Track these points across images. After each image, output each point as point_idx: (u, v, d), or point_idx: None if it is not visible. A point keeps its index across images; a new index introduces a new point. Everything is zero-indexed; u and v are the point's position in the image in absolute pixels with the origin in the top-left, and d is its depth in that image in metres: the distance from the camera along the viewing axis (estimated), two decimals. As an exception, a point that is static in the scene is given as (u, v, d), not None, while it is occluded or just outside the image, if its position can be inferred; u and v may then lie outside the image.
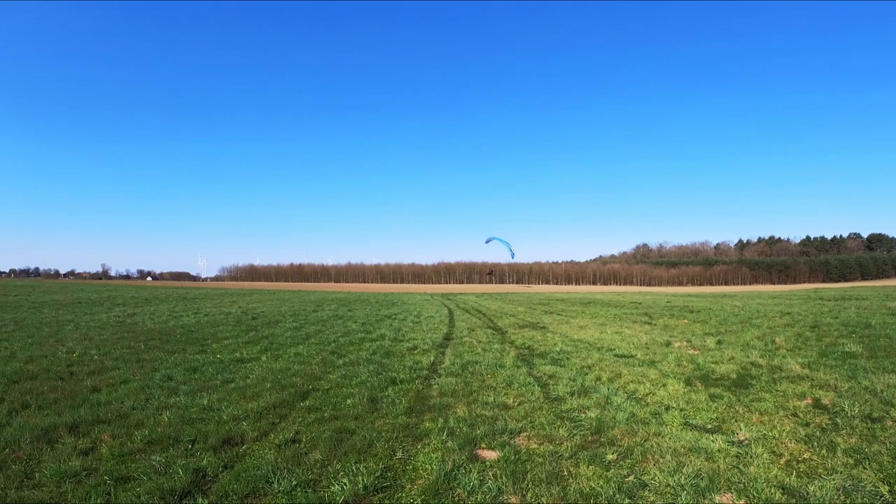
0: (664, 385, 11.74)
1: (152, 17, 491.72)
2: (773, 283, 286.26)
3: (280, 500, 6.11)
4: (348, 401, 10.45)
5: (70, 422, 8.97)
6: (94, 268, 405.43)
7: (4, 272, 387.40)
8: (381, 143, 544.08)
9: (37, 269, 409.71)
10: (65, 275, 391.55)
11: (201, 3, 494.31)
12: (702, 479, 6.47)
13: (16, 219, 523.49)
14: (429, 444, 7.96)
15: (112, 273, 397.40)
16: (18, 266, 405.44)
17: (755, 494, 6.11)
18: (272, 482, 6.55)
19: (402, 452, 7.66)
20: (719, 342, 18.67)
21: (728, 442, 7.84)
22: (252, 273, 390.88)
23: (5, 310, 34.64)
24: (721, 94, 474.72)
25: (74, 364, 14.38)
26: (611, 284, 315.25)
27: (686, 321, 27.89)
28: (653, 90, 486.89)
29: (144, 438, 8.19)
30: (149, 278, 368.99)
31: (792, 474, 6.62)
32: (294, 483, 6.51)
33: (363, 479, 6.54)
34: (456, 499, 6.20)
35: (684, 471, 6.69)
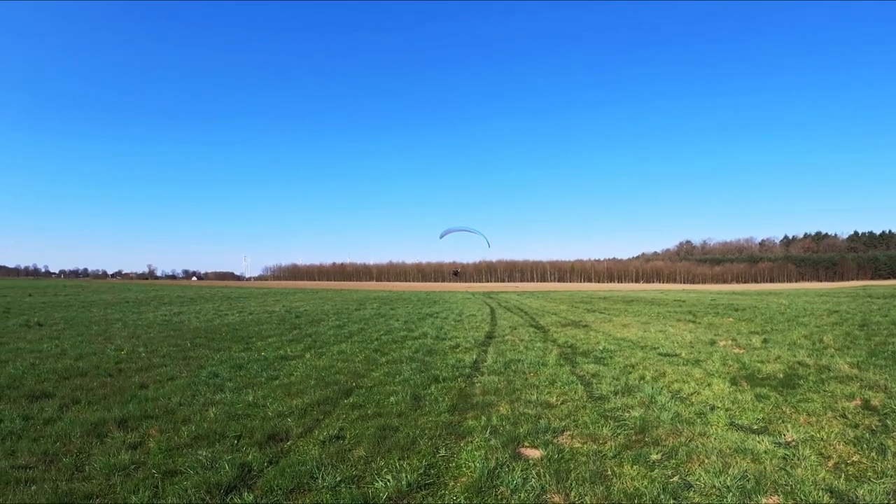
0: (709, 384, 11.62)
1: (179, 18, 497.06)
2: (819, 280, 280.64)
3: (324, 496, 6.14)
4: (391, 398, 10.50)
5: (119, 417, 9.15)
6: (141, 268, 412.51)
7: (54, 273, 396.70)
8: (420, 141, 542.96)
9: (85, 270, 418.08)
10: (112, 275, 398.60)
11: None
12: (748, 480, 6.38)
13: (65, 222, 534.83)
14: (472, 442, 7.96)
15: (158, 273, 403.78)
16: (68, 267, 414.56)
17: (802, 497, 6.01)
18: (316, 478, 6.60)
19: (446, 450, 7.66)
20: (765, 341, 18.42)
21: (775, 443, 7.72)
22: (295, 272, 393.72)
23: (56, 309, 35.41)
24: (764, 90, 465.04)
25: (123, 361, 14.66)
26: (653, 282, 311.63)
27: (731, 319, 27.57)
28: (692, 85, 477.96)
29: (191, 434, 8.32)
30: (194, 278, 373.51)
31: (840, 477, 6.50)
32: (338, 479, 6.55)
33: (406, 476, 6.56)
34: (499, 497, 6.18)
35: (730, 472, 6.59)
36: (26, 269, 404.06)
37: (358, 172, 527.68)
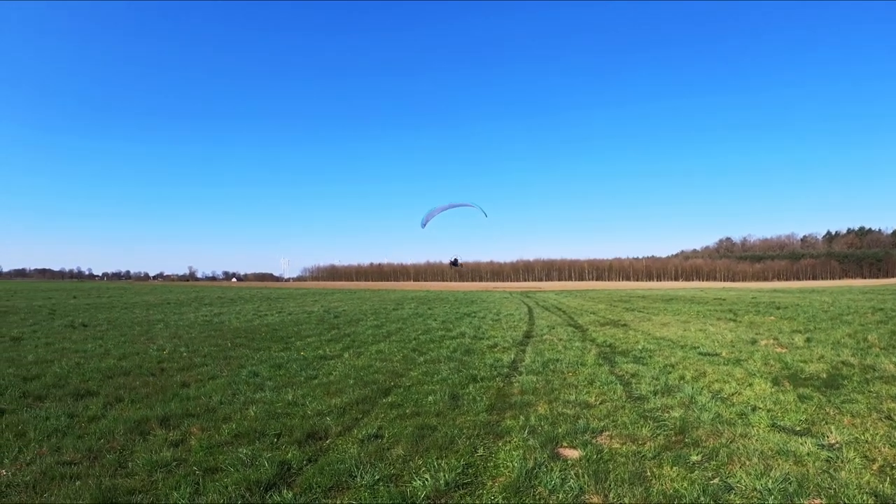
0: (750, 384, 11.47)
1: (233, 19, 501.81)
2: (863, 276, 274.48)
3: (362, 494, 6.18)
4: (430, 398, 10.54)
5: (161, 415, 9.32)
6: (182, 270, 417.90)
7: (98, 276, 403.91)
8: (454, 140, 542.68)
9: (128, 272, 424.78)
10: (154, 277, 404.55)
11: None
12: (790, 483, 6.29)
13: (108, 225, 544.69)
14: (510, 442, 7.96)
15: (199, 275, 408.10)
16: (110, 270, 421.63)
17: (846, 501, 5.91)
18: (355, 476, 6.66)
19: (484, 449, 7.68)
20: (808, 340, 18.14)
21: (818, 445, 7.60)
22: (333, 273, 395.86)
23: (99, 310, 36.08)
24: (806, 83, 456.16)
25: (165, 361, 14.91)
26: (693, 280, 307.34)
27: (773, 318, 27.18)
28: (729, 81, 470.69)
29: (232, 432, 8.43)
30: (234, 279, 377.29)
31: (886, 481, 6.37)
32: (377, 477, 6.60)
33: (444, 476, 6.58)
34: (537, 497, 6.17)
35: (772, 474, 6.51)
36: (70, 271, 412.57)
37: (396, 172, 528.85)
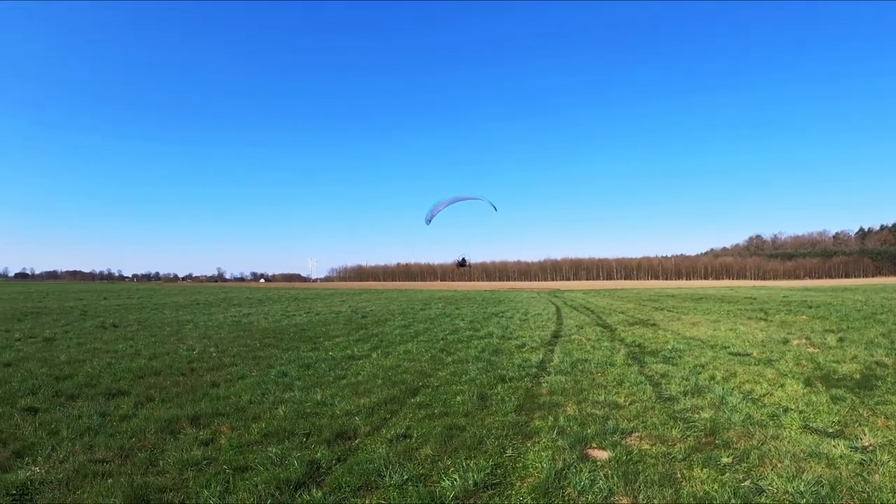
0: (782, 385, 11.35)
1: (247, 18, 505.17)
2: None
3: (391, 494, 6.19)
4: (458, 398, 10.54)
5: (191, 414, 9.42)
6: (210, 271, 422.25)
7: (127, 277, 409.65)
8: (485, 138, 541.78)
9: (157, 273, 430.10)
10: (183, 278, 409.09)
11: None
12: (822, 486, 6.20)
13: (138, 227, 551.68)
14: (539, 443, 7.93)
15: (227, 276, 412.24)
16: (140, 271, 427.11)
17: (880, 505, 5.85)
18: (384, 476, 6.67)
19: (512, 450, 7.66)
20: (841, 340, 17.94)
21: (851, 447, 7.49)
22: (360, 273, 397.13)
23: (130, 311, 36.50)
24: (835, 76, 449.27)
25: (194, 361, 15.07)
26: (723, 279, 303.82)
27: (804, 317, 26.92)
28: (758, 76, 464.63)
29: (261, 431, 8.50)
30: (262, 280, 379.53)
31: (921, 485, 6.28)
32: (405, 477, 6.61)
33: (473, 476, 6.57)
34: (566, 498, 6.14)
35: (804, 477, 6.43)
36: (101, 273, 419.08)
37: (422, 171, 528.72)
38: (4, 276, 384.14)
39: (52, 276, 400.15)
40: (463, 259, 29.70)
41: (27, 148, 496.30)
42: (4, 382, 12.23)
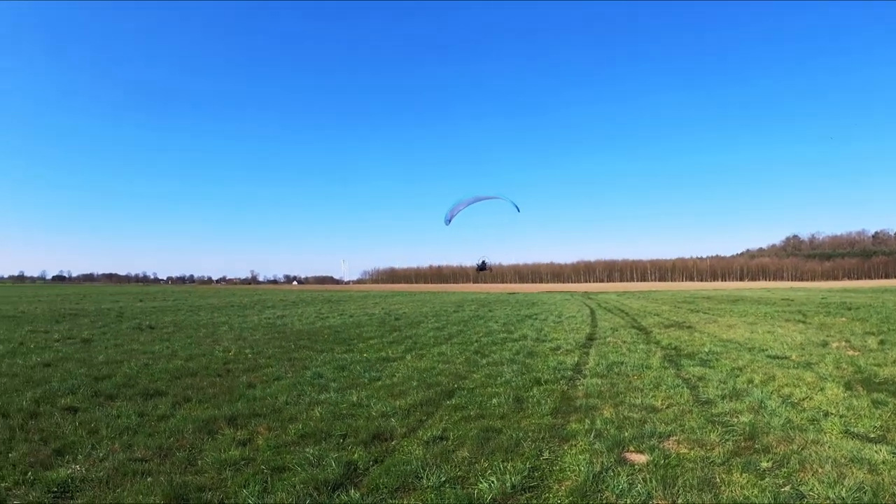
0: (822, 389, 11.20)
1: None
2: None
3: (429, 496, 6.20)
4: (493, 400, 10.52)
5: (228, 414, 9.52)
6: (244, 274, 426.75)
7: (162, 279, 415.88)
8: (519, 137, 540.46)
9: (191, 276, 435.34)
10: (217, 281, 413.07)
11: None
12: (864, 492, 6.09)
13: (173, 231, 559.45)
14: (575, 446, 7.90)
15: (260, 278, 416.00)
16: (174, 274, 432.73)
17: (924, 512, 5.75)
18: (421, 477, 6.68)
19: (549, 453, 7.63)
20: (882, 342, 17.68)
21: (893, 453, 7.34)
22: (392, 276, 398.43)
23: (165, 313, 36.94)
24: (875, 67, 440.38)
25: (230, 362, 15.23)
26: (759, 280, 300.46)
27: (844, 319, 26.55)
28: (797, 69, 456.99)
29: (298, 432, 8.56)
30: (294, 282, 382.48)
31: (967, 491, 6.15)
32: (442, 479, 6.61)
33: (510, 478, 6.55)
34: (604, 501, 6.10)
35: (845, 483, 6.31)
36: (136, 276, 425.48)
37: (451, 171, 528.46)
38: (42, 278, 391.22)
39: (89, 278, 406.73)
40: (483, 262, 29.29)
41: (63, 153, 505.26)
42: (45, 382, 12.43)
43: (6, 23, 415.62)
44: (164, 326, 26.74)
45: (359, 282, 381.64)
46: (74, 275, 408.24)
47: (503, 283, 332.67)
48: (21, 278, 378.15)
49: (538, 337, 21.16)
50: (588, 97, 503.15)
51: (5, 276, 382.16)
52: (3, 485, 6.56)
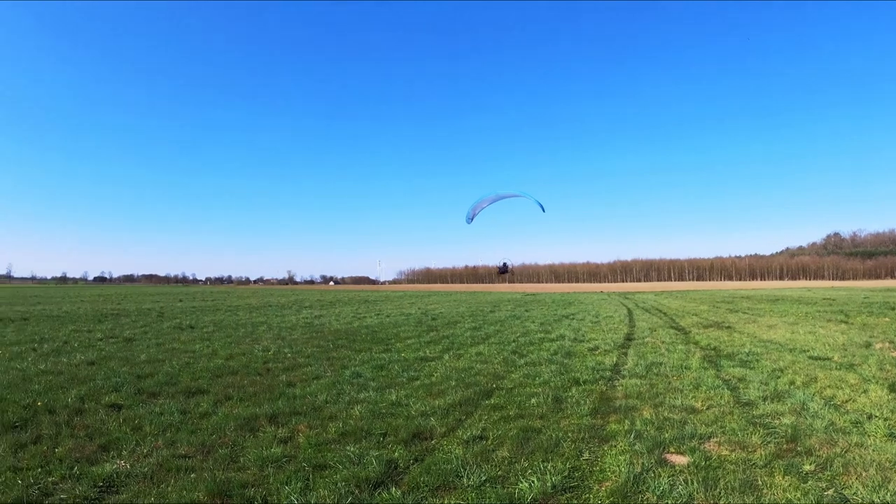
0: (865, 391, 11.03)
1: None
2: None
3: (469, 495, 6.22)
4: (532, 400, 10.52)
5: (269, 413, 9.65)
6: (281, 274, 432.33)
7: (201, 280, 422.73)
8: (553, 136, 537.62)
9: (229, 276, 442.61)
10: (255, 281, 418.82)
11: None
12: (909, 497, 6.02)
13: (211, 233, 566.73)
14: (615, 446, 7.87)
15: (297, 279, 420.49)
16: (213, 275, 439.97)
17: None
18: (461, 476, 6.70)
19: (589, 453, 7.61)
20: (927, 343, 17.32)
21: (939, 457, 7.25)
22: (428, 276, 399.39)
23: (205, 313, 37.47)
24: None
25: (270, 361, 15.39)
26: (799, 279, 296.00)
27: (887, 319, 26.11)
28: (834, 67, 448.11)
29: (338, 430, 8.64)
30: (331, 283, 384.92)
31: None
32: (483, 478, 6.63)
33: (551, 478, 6.55)
34: (645, 503, 6.08)
35: (890, 487, 6.23)
36: (175, 276, 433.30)
37: (482, 170, 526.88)
38: (84, 279, 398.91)
39: (129, 279, 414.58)
40: (504, 265, 28.87)
41: (105, 156, 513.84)
42: (89, 380, 12.69)
43: (52, 19, 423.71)
44: (204, 326, 27.11)
45: (395, 282, 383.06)
46: (115, 275, 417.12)
47: (539, 282, 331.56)
48: (64, 279, 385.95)
49: (576, 337, 21.07)
50: (626, 93, 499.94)
51: (49, 277, 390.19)
52: (50, 479, 6.71)
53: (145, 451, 7.76)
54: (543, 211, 21.94)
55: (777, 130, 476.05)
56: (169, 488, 6.44)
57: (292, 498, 6.14)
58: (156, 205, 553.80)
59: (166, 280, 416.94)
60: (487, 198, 21.97)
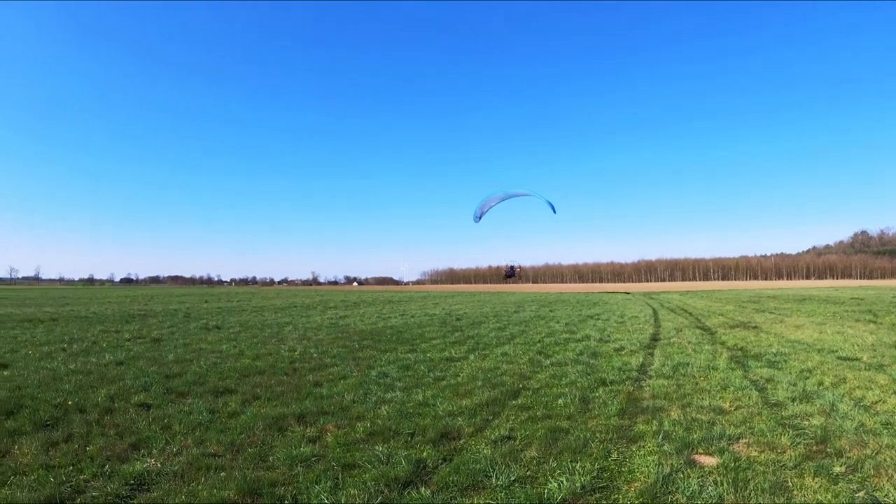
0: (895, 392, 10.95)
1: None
2: None
3: (499, 495, 6.23)
4: (559, 400, 10.51)
5: (297, 412, 9.73)
6: (305, 275, 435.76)
7: (226, 281, 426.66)
8: (575, 136, 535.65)
9: (254, 277, 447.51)
10: (279, 282, 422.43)
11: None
12: (943, 500, 5.96)
13: (236, 235, 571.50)
14: (644, 447, 7.85)
15: (321, 279, 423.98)
16: (238, 276, 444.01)
17: None
18: (490, 476, 6.73)
19: (617, 454, 7.61)
20: (959, 344, 17.11)
21: (972, 459, 7.17)
22: (452, 276, 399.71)
23: (230, 314, 37.74)
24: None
25: (296, 361, 15.50)
26: (826, 278, 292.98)
27: (918, 319, 25.73)
28: (861, 62, 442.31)
29: (366, 430, 8.69)
30: (355, 283, 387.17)
31: None
32: (512, 478, 6.64)
33: (580, 479, 6.56)
34: (674, 503, 6.14)
35: (922, 489, 6.19)
36: (201, 278, 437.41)
37: (513, 166, 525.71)
38: (111, 281, 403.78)
39: (155, 280, 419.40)
40: (511, 268, 28.38)
41: (130, 160, 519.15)
42: (118, 379, 12.84)
43: (76, 22, 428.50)
44: (231, 326, 27.34)
45: (418, 282, 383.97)
46: (141, 277, 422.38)
47: (563, 282, 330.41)
48: (91, 281, 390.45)
49: (601, 337, 21.01)
50: (651, 90, 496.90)
51: (76, 278, 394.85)
52: (82, 477, 6.82)
53: (175, 449, 7.87)
54: (554, 212, 21.72)
55: (803, 126, 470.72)
56: (199, 486, 6.51)
57: (322, 497, 6.19)
58: (181, 207, 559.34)
59: (192, 281, 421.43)
60: (496, 196, 21.80)
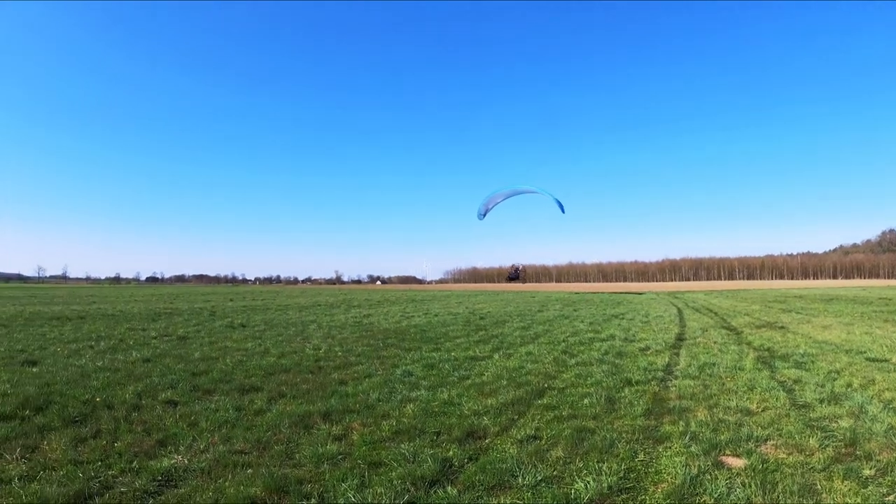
0: (926, 394, 10.81)
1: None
2: None
3: (525, 494, 6.23)
4: (585, 400, 10.48)
5: (322, 410, 9.77)
6: (329, 274, 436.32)
7: (250, 280, 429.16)
8: (599, 136, 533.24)
9: (278, 276, 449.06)
10: (303, 281, 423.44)
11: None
12: (975, 504, 5.88)
13: (260, 233, 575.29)
14: (670, 448, 7.81)
15: (344, 278, 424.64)
16: (262, 275, 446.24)
17: None
18: (516, 476, 6.72)
19: (644, 454, 7.58)
20: None
21: None
22: (475, 275, 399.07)
23: (255, 312, 37.88)
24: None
25: (321, 359, 15.58)
26: (853, 278, 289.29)
27: (947, 320, 25.39)
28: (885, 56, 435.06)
29: (392, 428, 8.73)
30: (378, 282, 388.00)
31: None
32: (538, 478, 6.64)
33: (606, 479, 6.54)
34: (702, 504, 6.08)
35: (953, 494, 6.11)
36: (226, 277, 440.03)
37: (534, 163, 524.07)
38: (137, 279, 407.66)
39: (180, 279, 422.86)
40: (515, 271, 27.91)
41: (157, 158, 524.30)
42: (145, 377, 12.96)
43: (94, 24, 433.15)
44: (256, 325, 27.49)
45: (441, 281, 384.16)
46: (167, 276, 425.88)
47: (586, 281, 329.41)
48: (117, 279, 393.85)
49: (626, 337, 20.93)
50: (678, 87, 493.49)
51: (102, 277, 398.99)
52: (110, 472, 6.90)
53: (202, 446, 7.94)
54: (563, 212, 21.43)
55: (831, 123, 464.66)
56: (226, 483, 6.56)
57: (349, 495, 6.21)
58: (206, 206, 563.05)
59: (216, 280, 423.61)
60: (502, 192, 21.56)
